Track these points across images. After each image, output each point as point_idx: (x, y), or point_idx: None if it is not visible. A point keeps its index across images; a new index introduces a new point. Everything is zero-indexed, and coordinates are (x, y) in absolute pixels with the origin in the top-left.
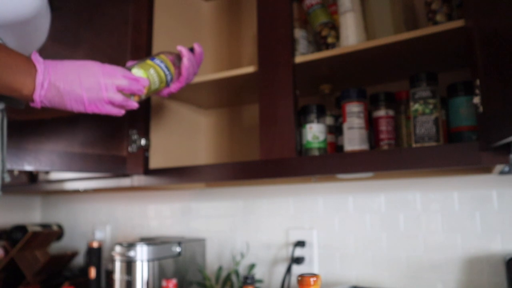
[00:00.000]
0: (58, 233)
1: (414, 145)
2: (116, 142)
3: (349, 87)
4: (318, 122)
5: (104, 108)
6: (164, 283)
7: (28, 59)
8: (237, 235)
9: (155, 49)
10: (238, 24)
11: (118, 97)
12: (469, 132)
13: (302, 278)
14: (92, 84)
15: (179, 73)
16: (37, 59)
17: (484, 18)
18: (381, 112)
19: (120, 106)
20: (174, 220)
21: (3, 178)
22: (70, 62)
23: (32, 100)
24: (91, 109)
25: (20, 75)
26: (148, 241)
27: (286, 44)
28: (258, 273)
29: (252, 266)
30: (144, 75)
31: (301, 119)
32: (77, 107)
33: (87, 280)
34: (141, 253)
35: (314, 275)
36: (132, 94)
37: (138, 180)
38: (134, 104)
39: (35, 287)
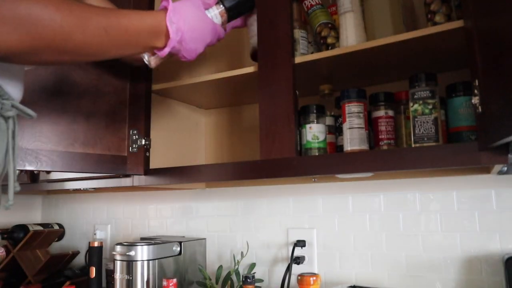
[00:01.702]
0: (59, 233)
1: (413, 145)
2: (116, 142)
3: (349, 87)
4: (318, 122)
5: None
6: (164, 282)
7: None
8: (237, 234)
9: None
10: None
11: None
12: (468, 132)
13: (302, 277)
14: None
15: None
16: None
17: (483, 19)
18: (381, 112)
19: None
20: (174, 220)
21: (14, 187)
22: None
23: (165, 46)
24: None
25: (150, 12)
26: (148, 240)
27: (286, 44)
28: (258, 272)
29: (252, 266)
30: None
31: (301, 119)
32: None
33: (87, 279)
34: (142, 253)
35: (313, 274)
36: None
37: (138, 180)
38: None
39: (36, 286)
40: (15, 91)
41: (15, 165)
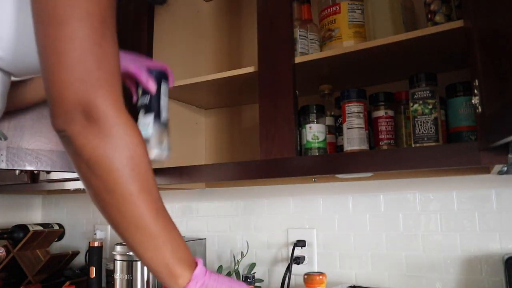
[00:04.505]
0: (59, 233)
1: (413, 145)
2: None
3: (349, 87)
4: (318, 122)
5: None
6: None
7: (191, 254)
8: (237, 234)
9: (156, 48)
10: (238, 24)
11: None
12: (468, 132)
13: (308, 276)
14: None
15: None
16: (198, 259)
17: (483, 19)
18: (381, 112)
19: None
20: (174, 220)
21: None
22: (226, 278)
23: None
24: None
25: (183, 263)
26: None
27: (286, 44)
28: (258, 272)
29: (252, 266)
30: None
31: (301, 119)
32: None
33: (87, 279)
34: None
35: (320, 273)
36: None
37: None
38: None
39: (36, 286)
40: None
41: None
